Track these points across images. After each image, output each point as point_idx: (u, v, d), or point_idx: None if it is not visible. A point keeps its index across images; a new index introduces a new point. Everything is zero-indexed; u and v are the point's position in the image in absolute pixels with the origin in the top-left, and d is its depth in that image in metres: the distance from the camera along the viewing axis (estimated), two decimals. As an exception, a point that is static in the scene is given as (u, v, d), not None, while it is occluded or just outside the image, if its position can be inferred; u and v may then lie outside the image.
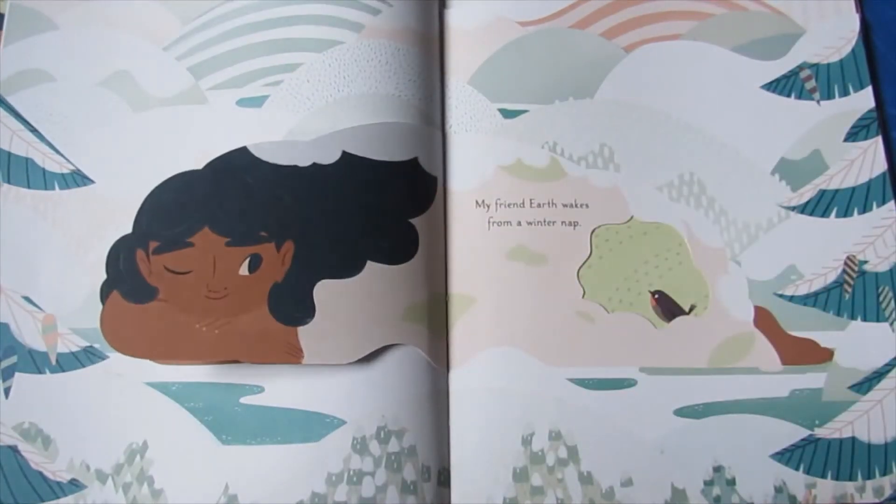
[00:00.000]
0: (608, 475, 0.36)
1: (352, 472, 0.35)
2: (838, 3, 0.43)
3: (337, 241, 0.37)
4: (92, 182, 0.40)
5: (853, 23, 0.43)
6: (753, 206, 0.40)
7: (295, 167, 0.38)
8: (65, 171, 0.40)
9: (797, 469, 0.37)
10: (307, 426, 0.36)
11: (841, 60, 0.42)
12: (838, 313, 0.39)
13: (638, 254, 0.40)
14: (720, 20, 0.43)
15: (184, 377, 0.37)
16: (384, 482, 0.35)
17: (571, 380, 0.37)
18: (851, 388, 0.37)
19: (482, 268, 0.39)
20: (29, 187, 0.40)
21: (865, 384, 0.38)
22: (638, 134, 0.41)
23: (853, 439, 0.37)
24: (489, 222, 0.40)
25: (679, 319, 0.39)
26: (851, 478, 0.36)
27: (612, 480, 0.36)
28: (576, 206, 0.40)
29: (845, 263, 0.39)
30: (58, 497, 0.36)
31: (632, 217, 0.40)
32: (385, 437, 0.36)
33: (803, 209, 0.40)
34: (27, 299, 0.38)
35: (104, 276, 0.36)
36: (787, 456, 0.37)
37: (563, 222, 0.40)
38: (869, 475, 0.36)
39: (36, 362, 0.38)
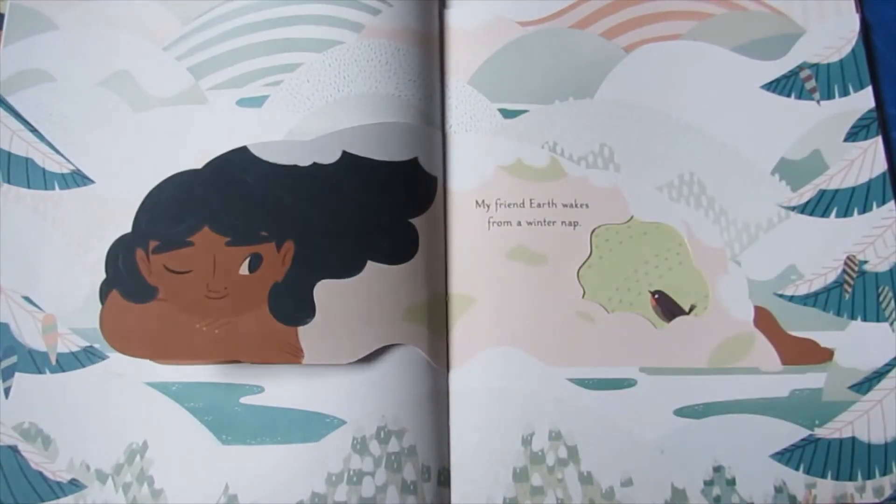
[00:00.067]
0: (608, 475, 0.36)
1: (352, 472, 0.35)
2: (838, 3, 0.43)
3: (337, 240, 0.37)
4: (92, 182, 0.40)
5: (853, 23, 0.43)
6: (753, 206, 0.40)
7: (295, 167, 0.38)
8: (65, 171, 0.40)
9: (797, 469, 0.37)
10: (307, 426, 0.36)
11: (841, 60, 0.42)
12: (838, 313, 0.39)
13: (638, 254, 0.40)
14: (720, 20, 0.43)
15: (184, 377, 0.37)
16: (384, 482, 0.35)
17: (571, 380, 0.37)
18: (851, 388, 0.37)
19: (482, 268, 0.39)
20: (29, 187, 0.40)
21: (865, 384, 0.38)
22: (638, 134, 0.41)
23: (853, 439, 0.37)
24: (489, 222, 0.40)
25: (679, 319, 0.39)
26: (851, 478, 0.36)
27: (612, 480, 0.36)
28: (576, 206, 0.40)
29: (845, 263, 0.39)
30: (58, 497, 0.36)
31: (632, 217, 0.40)
32: (385, 437, 0.36)
33: (803, 209, 0.40)
34: (27, 299, 0.38)
35: (104, 276, 0.36)
36: (787, 456, 0.37)
37: (563, 222, 0.40)
38: (869, 475, 0.36)
39: (36, 362, 0.38)
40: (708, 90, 0.42)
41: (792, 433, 0.37)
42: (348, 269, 0.37)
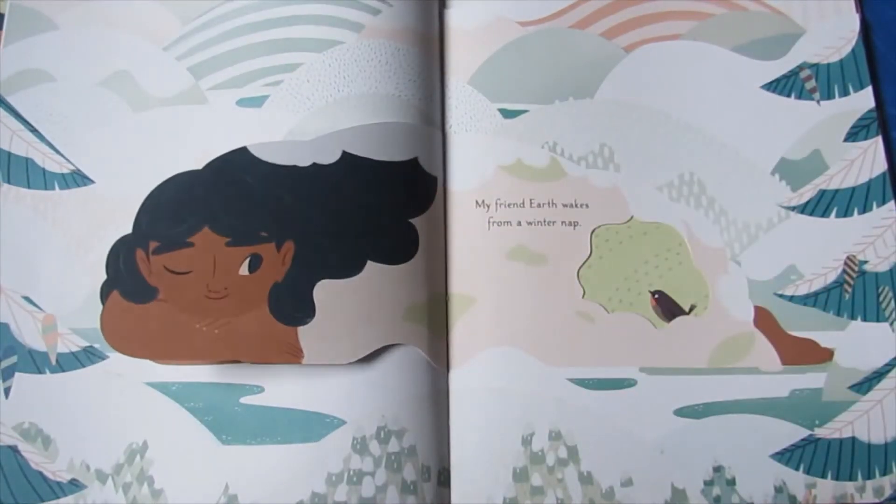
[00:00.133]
0: (608, 475, 0.36)
1: (352, 472, 0.35)
2: (838, 3, 0.43)
3: (337, 241, 0.37)
4: (92, 182, 0.40)
5: (853, 23, 0.43)
6: (753, 206, 0.40)
7: (295, 167, 0.38)
8: (65, 171, 0.40)
9: (797, 469, 0.37)
10: (307, 426, 0.36)
11: (841, 60, 0.42)
12: (838, 313, 0.39)
13: (638, 254, 0.40)
14: (720, 20, 0.43)
15: (184, 377, 0.37)
16: (384, 482, 0.35)
17: (571, 380, 0.37)
18: (851, 388, 0.37)
19: (482, 268, 0.39)
20: (29, 187, 0.40)
21: (865, 384, 0.38)
22: (638, 134, 0.41)
23: (853, 439, 0.37)
24: (489, 222, 0.40)
25: (679, 319, 0.39)
26: (851, 478, 0.36)
27: (612, 480, 0.36)
28: (576, 206, 0.40)
29: (845, 263, 0.39)
30: (58, 497, 0.36)
31: (632, 217, 0.40)
32: (385, 437, 0.36)
33: (803, 209, 0.40)
34: (27, 299, 0.38)
35: (104, 276, 0.36)
36: (787, 456, 0.37)
37: (563, 222, 0.40)
38: (869, 475, 0.36)
39: (36, 362, 0.38)
40: (708, 90, 0.42)
41: (792, 433, 0.37)
42: (348, 269, 0.37)
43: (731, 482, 0.36)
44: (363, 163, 0.38)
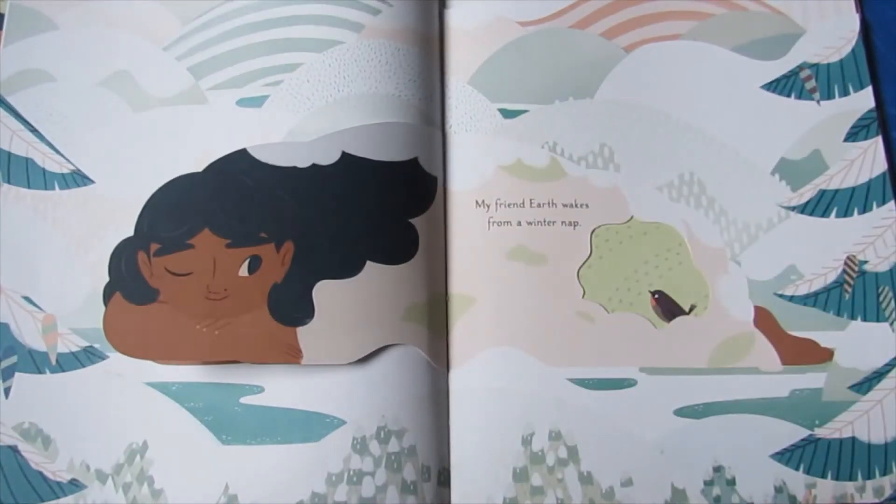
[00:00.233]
0: (608, 475, 0.36)
1: (352, 472, 0.35)
2: (838, 3, 0.43)
3: (337, 241, 0.37)
4: (92, 182, 0.40)
5: (853, 23, 0.43)
6: (753, 206, 0.40)
7: (294, 168, 0.38)
8: (65, 171, 0.40)
9: (797, 469, 0.37)
10: (307, 426, 0.36)
11: (841, 60, 0.42)
12: (838, 313, 0.39)
13: (638, 254, 0.40)
14: (720, 20, 0.43)
15: (184, 377, 0.37)
16: (384, 482, 0.35)
17: (571, 380, 0.37)
18: (851, 388, 0.37)
19: (482, 268, 0.39)
20: (29, 187, 0.40)
21: (865, 384, 0.38)
22: (638, 134, 0.41)
23: (853, 439, 0.37)
24: (489, 222, 0.40)
25: (679, 319, 0.39)
26: (851, 478, 0.36)
27: (612, 480, 0.36)
28: (576, 206, 0.40)
29: (845, 263, 0.39)
30: (58, 497, 0.36)
31: (632, 217, 0.40)
32: (385, 437, 0.36)
33: (803, 209, 0.40)
34: (27, 299, 0.38)
35: (104, 277, 0.36)
36: (787, 456, 0.37)
37: (563, 222, 0.40)
38: (869, 475, 0.36)
39: (36, 362, 0.38)
40: (708, 90, 0.42)
41: (792, 433, 0.37)
42: (348, 269, 0.37)
43: (731, 482, 0.36)
44: (363, 163, 0.38)
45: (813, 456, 0.37)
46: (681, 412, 0.37)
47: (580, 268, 0.39)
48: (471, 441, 0.37)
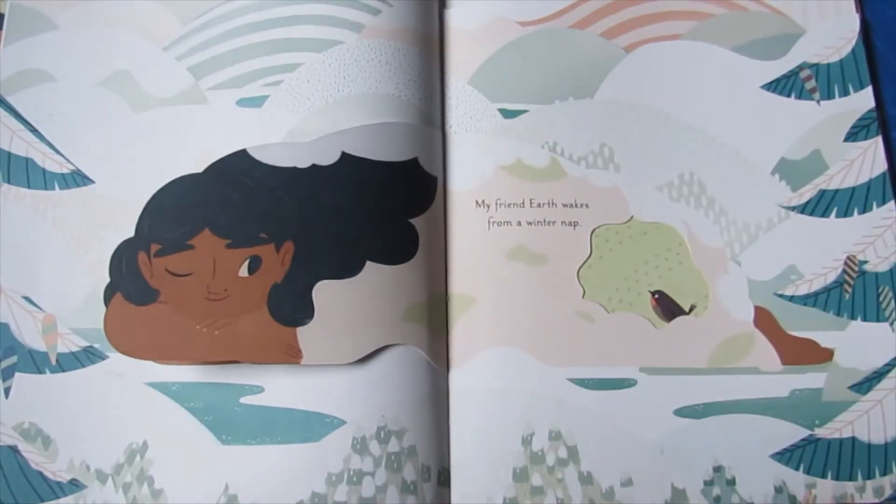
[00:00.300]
0: (608, 475, 0.36)
1: (352, 472, 0.35)
2: (838, 3, 0.43)
3: (336, 241, 0.37)
4: (92, 182, 0.40)
5: (853, 23, 0.43)
6: (753, 206, 0.40)
7: (294, 168, 0.38)
8: (65, 171, 0.40)
9: (797, 469, 0.37)
10: (307, 426, 0.36)
11: (841, 60, 0.42)
12: (838, 313, 0.39)
13: (638, 254, 0.40)
14: (720, 20, 0.43)
15: (184, 377, 0.37)
16: (384, 482, 0.35)
17: (571, 380, 0.37)
18: (851, 388, 0.37)
19: (482, 268, 0.39)
20: (29, 187, 0.40)
21: (865, 384, 0.38)
22: (638, 134, 0.41)
23: (853, 439, 0.37)
24: (489, 222, 0.40)
25: (679, 319, 0.39)
26: (851, 478, 0.36)
27: (612, 480, 0.36)
28: (576, 206, 0.40)
29: (845, 263, 0.39)
30: (58, 497, 0.36)
31: (632, 217, 0.40)
32: (385, 437, 0.36)
33: (803, 209, 0.40)
34: (27, 299, 0.38)
35: (104, 277, 0.36)
36: (787, 456, 0.37)
37: (563, 222, 0.40)
38: (869, 475, 0.36)
39: (36, 362, 0.38)
40: (708, 90, 0.42)
41: (792, 433, 0.37)
42: (348, 269, 0.37)
43: (731, 482, 0.36)
44: (363, 163, 0.38)
45: (813, 456, 0.37)
46: (681, 412, 0.37)
47: (580, 268, 0.39)
48: (471, 441, 0.37)
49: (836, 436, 0.37)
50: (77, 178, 0.40)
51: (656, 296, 0.39)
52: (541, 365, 0.38)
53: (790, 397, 0.37)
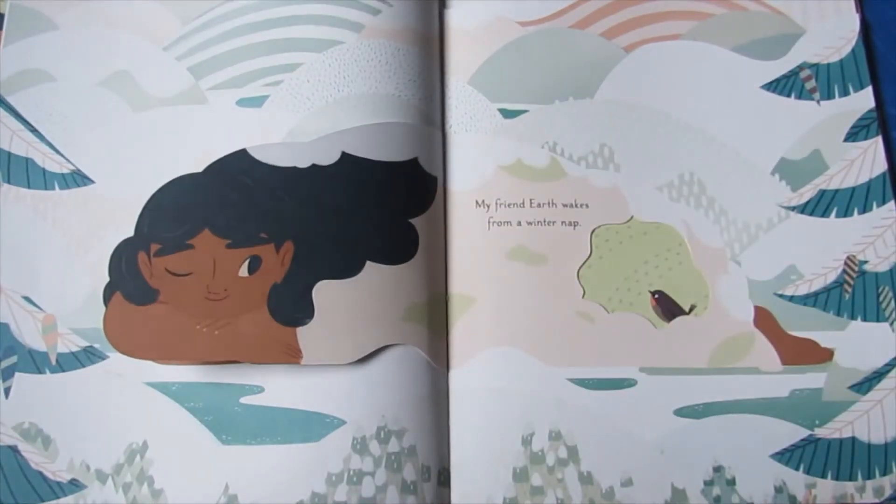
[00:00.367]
0: (608, 475, 0.36)
1: (352, 472, 0.35)
2: (838, 3, 0.43)
3: (336, 241, 0.37)
4: (92, 182, 0.40)
5: (853, 23, 0.43)
6: (753, 206, 0.40)
7: (294, 168, 0.38)
8: (65, 171, 0.40)
9: (797, 469, 0.37)
10: (307, 426, 0.36)
11: (841, 60, 0.42)
12: (838, 313, 0.39)
13: (638, 254, 0.40)
14: (720, 20, 0.43)
15: (184, 377, 0.37)
16: (384, 482, 0.35)
17: (571, 380, 0.37)
18: (851, 388, 0.37)
19: (482, 268, 0.39)
20: (29, 187, 0.40)
21: (865, 384, 0.38)
22: (638, 134, 0.41)
23: (853, 439, 0.37)
24: (489, 222, 0.40)
25: (679, 319, 0.39)
26: (851, 478, 0.36)
27: (612, 480, 0.36)
28: (576, 206, 0.40)
29: (845, 263, 0.39)
30: (58, 497, 0.36)
31: (632, 217, 0.40)
32: (385, 437, 0.36)
33: (803, 209, 0.40)
34: (27, 299, 0.38)
35: (104, 277, 0.36)
36: (787, 456, 0.37)
37: (563, 222, 0.40)
38: (869, 475, 0.36)
39: (36, 362, 0.38)
40: (708, 90, 0.42)
41: (792, 433, 0.37)
42: (348, 269, 0.37)
43: (731, 482, 0.36)
44: (363, 163, 0.38)
45: (813, 456, 0.37)
46: (681, 412, 0.37)
47: (580, 268, 0.39)
48: (471, 441, 0.37)
49: (836, 436, 0.37)
50: (77, 178, 0.40)
51: (656, 296, 0.39)
52: (541, 365, 0.38)
53: (790, 397, 0.37)
